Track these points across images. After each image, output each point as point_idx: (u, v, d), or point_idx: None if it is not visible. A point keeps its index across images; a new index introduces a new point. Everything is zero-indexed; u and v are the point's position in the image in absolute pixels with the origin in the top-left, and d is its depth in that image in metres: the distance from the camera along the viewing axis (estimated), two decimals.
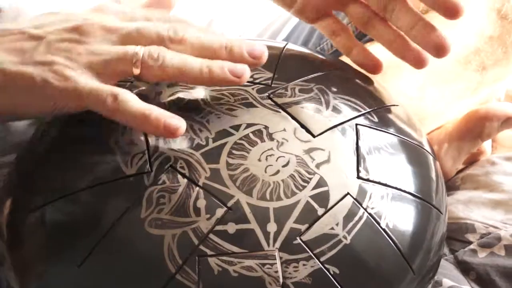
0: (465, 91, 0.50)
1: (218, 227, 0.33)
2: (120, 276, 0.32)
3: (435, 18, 0.43)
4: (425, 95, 0.50)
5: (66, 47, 0.34)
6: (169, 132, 0.33)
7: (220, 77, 0.34)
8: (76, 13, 0.36)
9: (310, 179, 0.35)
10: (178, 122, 0.33)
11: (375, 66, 0.44)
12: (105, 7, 0.37)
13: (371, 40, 0.52)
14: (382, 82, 0.46)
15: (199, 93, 0.39)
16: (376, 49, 0.49)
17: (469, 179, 0.52)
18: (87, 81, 0.34)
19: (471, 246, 0.45)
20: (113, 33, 0.35)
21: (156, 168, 0.35)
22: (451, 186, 0.53)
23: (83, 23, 0.35)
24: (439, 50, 0.40)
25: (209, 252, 0.32)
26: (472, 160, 0.54)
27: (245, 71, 0.34)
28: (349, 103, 0.40)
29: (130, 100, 0.33)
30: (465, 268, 0.44)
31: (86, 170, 0.36)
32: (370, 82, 0.44)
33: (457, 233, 0.47)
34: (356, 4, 0.44)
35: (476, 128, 0.51)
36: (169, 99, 0.39)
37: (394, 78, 0.48)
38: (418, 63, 0.42)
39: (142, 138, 0.36)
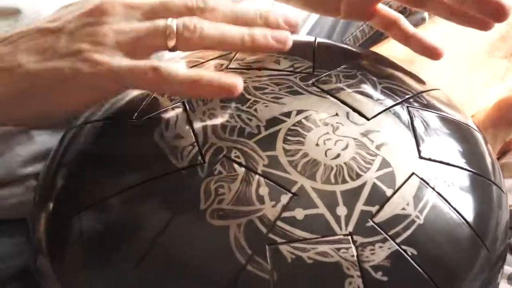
0: (493, 78, 0.50)
1: (285, 214, 0.31)
2: (182, 272, 0.30)
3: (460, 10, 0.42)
4: (455, 83, 0.49)
5: (89, 32, 0.32)
6: (227, 91, 0.32)
7: (264, 45, 0.33)
8: None
9: (373, 160, 0.33)
10: (234, 79, 0.32)
11: (436, 51, 0.43)
12: None
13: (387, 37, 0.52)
14: None
15: None
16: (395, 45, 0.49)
17: (506, 168, 0.51)
18: (121, 60, 0.32)
19: None
20: (136, 10, 0.33)
21: (209, 159, 0.33)
22: None
23: (101, 3, 0.33)
24: (501, 12, 0.38)
25: (279, 240, 0.30)
26: (505, 150, 0.53)
27: (288, 38, 0.33)
28: (395, 87, 0.39)
29: (173, 68, 0.32)
30: None
31: (134, 167, 0.34)
32: (406, 69, 0.43)
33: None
34: None
35: (509, 115, 0.50)
36: None
37: (423, 68, 0.48)
38: (484, 24, 0.41)
39: (189, 129, 0.35)
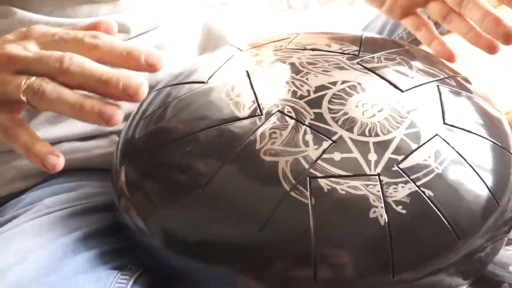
0: None
1: (325, 156, 0.37)
2: (240, 195, 0.37)
3: (503, 12, 0.48)
4: (491, 82, 0.55)
5: None
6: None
7: (89, 115, 0.35)
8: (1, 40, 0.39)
9: (403, 121, 0.39)
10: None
11: (450, 56, 0.50)
12: (33, 30, 0.39)
13: (441, 34, 0.58)
14: None
15: (296, 60, 0.45)
16: (445, 41, 0.55)
17: None
18: None
19: None
20: (16, 62, 0.37)
21: (266, 112, 0.40)
22: None
23: None
24: (507, 38, 0.45)
25: (318, 174, 0.36)
26: None
27: (113, 116, 0.35)
28: (429, 70, 0.45)
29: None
30: None
31: (205, 116, 0.41)
32: (441, 59, 0.49)
33: None
34: (436, 2, 0.50)
35: None
36: (267, 62, 0.45)
37: (460, 67, 0.53)
38: (490, 49, 0.47)
39: (250, 90, 0.42)
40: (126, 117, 0.52)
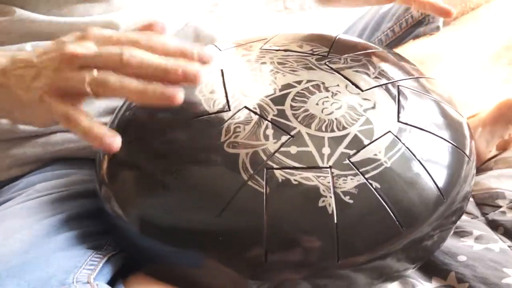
0: (497, 82, 0.57)
1: (283, 149, 0.41)
2: (203, 183, 0.40)
3: (469, 19, 0.51)
4: (460, 85, 0.57)
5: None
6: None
7: (152, 97, 0.37)
8: (59, 42, 0.41)
9: (358, 119, 0.42)
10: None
11: (446, 12, 0.52)
12: (89, 33, 0.41)
13: (415, 38, 0.60)
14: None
15: (268, 60, 0.48)
16: (418, 44, 0.57)
17: (501, 161, 0.58)
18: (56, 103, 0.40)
19: (501, 209, 0.51)
20: (78, 59, 0.39)
21: (233, 108, 0.44)
22: (485, 168, 0.59)
23: (60, 52, 0.40)
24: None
25: (275, 165, 0.40)
26: (504, 148, 0.60)
27: (175, 94, 0.37)
28: (393, 71, 0.48)
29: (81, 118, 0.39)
30: (494, 225, 0.50)
31: (180, 111, 0.44)
32: (408, 61, 0.52)
33: (489, 200, 0.53)
34: None
35: (507, 114, 0.57)
36: (241, 61, 0.48)
37: (432, 69, 0.56)
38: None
39: (222, 87, 0.45)
40: (111, 111, 0.56)
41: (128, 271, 0.44)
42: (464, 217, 0.52)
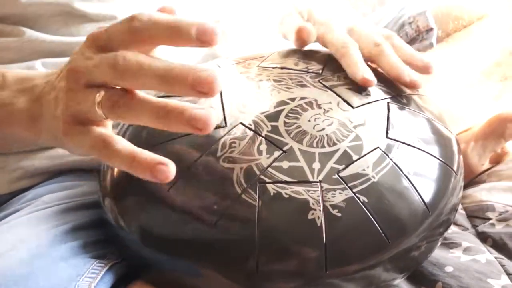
0: (488, 98, 0.59)
1: (275, 164, 0.43)
2: (199, 196, 0.43)
3: (461, 36, 0.53)
4: (452, 101, 0.59)
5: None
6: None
7: (177, 124, 0.34)
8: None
9: (348, 135, 0.44)
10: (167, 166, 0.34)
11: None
12: (89, 36, 0.37)
13: None
14: None
15: (265, 77, 0.51)
16: None
17: (494, 174, 0.59)
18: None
19: (490, 221, 0.52)
20: (80, 75, 0.36)
21: (229, 124, 0.46)
22: (478, 181, 0.60)
23: (66, 69, 0.38)
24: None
25: (267, 179, 0.42)
26: (497, 161, 0.62)
27: (207, 121, 0.33)
28: (383, 88, 0.50)
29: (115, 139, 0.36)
30: (483, 237, 0.51)
31: None
32: None
33: (479, 212, 0.54)
34: None
35: (499, 129, 0.59)
36: (239, 78, 0.51)
37: (425, 84, 0.58)
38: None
39: (220, 103, 0.48)
40: (113, 125, 0.58)
41: (129, 279, 0.46)
42: (454, 228, 0.54)
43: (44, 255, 0.43)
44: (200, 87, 0.31)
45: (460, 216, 0.55)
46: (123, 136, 0.49)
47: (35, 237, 0.46)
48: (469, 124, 0.61)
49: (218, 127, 0.46)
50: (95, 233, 0.49)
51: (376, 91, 0.49)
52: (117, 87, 0.35)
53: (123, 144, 0.34)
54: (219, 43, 0.33)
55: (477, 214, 0.54)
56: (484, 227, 0.52)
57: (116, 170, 0.48)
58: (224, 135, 0.45)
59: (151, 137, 0.47)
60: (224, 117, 0.46)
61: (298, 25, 0.54)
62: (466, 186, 0.61)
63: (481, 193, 0.56)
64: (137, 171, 0.34)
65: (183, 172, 0.44)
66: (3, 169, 0.59)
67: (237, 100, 0.48)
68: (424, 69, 0.52)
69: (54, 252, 0.44)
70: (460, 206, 0.57)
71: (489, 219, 0.53)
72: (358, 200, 0.41)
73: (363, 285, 0.42)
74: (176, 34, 0.32)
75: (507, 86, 0.59)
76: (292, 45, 0.56)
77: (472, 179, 0.61)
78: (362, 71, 0.48)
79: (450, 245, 0.50)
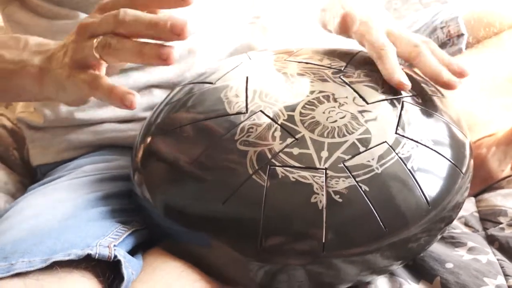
0: None
1: (287, 149, 0.46)
2: (214, 174, 0.46)
3: (491, 43, 0.54)
4: (477, 105, 0.60)
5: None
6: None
7: (149, 57, 0.42)
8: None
9: (359, 128, 0.47)
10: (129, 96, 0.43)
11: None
12: (103, 6, 0.46)
13: None
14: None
15: (289, 70, 0.54)
16: None
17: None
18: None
19: (501, 226, 0.53)
20: (87, 29, 0.45)
21: (250, 111, 0.49)
22: (498, 186, 0.61)
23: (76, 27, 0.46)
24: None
25: (277, 163, 0.45)
26: None
27: (169, 55, 0.41)
28: None
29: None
30: (491, 240, 0.52)
31: (206, 110, 0.51)
32: (427, 80, 0.56)
33: (492, 216, 0.55)
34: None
35: None
36: (266, 70, 0.54)
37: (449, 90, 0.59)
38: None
39: (244, 92, 0.51)
40: (150, 107, 0.63)
41: (149, 246, 0.51)
42: (465, 229, 0.55)
43: (77, 215, 0.49)
44: (175, 30, 0.41)
45: (473, 218, 0.56)
46: (159, 114, 0.54)
47: (72, 200, 0.52)
48: (493, 130, 0.62)
49: (239, 113, 0.50)
50: (124, 202, 0.54)
51: (393, 89, 0.51)
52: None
53: (106, 81, 0.44)
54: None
55: (489, 218, 0.55)
56: (493, 231, 0.53)
57: (146, 149, 0.52)
58: (244, 121, 0.49)
59: (184, 118, 0.51)
60: (246, 105, 0.50)
61: (344, 11, 0.56)
62: (484, 191, 0.62)
63: (496, 198, 0.57)
64: (113, 99, 0.43)
65: (206, 149, 0.47)
66: (52, 141, 0.66)
67: (260, 89, 0.52)
68: (459, 74, 0.52)
69: (85, 214, 0.49)
70: (474, 209, 0.58)
71: (501, 223, 0.54)
72: (359, 189, 0.44)
73: (361, 268, 0.45)
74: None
75: None
76: (327, 42, 0.59)
77: (492, 185, 0.61)
78: (398, 75, 0.50)
79: (456, 244, 0.51)
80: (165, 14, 0.43)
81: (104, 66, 0.46)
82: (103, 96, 0.44)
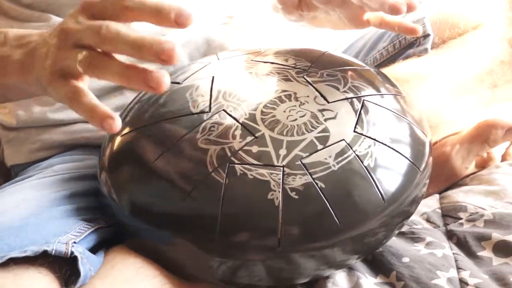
0: (478, 104, 0.61)
1: (246, 147, 0.47)
2: (175, 172, 0.47)
3: (455, 44, 0.56)
4: (443, 104, 0.61)
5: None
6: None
7: (136, 83, 0.39)
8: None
9: (318, 126, 0.48)
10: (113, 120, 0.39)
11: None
12: (81, 4, 0.42)
13: (405, 58, 0.65)
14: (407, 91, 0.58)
15: (255, 70, 0.55)
16: (407, 64, 0.62)
17: (476, 178, 0.61)
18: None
19: (460, 221, 0.55)
20: (70, 36, 0.41)
21: (213, 110, 0.50)
22: (461, 183, 0.62)
23: (59, 29, 0.43)
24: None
25: (236, 161, 0.46)
26: (483, 166, 0.63)
27: (160, 82, 0.38)
28: (362, 87, 0.53)
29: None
30: (450, 235, 0.53)
31: (171, 109, 0.52)
32: (391, 81, 0.57)
33: (452, 212, 0.56)
34: None
35: (484, 134, 0.60)
36: (232, 70, 0.55)
37: (416, 89, 0.60)
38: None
39: (209, 92, 0.52)
40: (122, 108, 0.64)
41: (116, 243, 0.52)
42: (426, 225, 0.56)
43: (40, 214, 0.49)
44: (162, 56, 0.37)
45: (435, 214, 0.58)
46: (128, 113, 0.55)
47: (37, 199, 0.52)
48: (458, 128, 0.63)
49: (202, 112, 0.50)
50: (90, 200, 0.55)
51: (354, 89, 0.52)
52: (99, 50, 0.41)
53: (89, 97, 0.40)
54: (190, 27, 0.38)
55: (450, 214, 0.57)
56: (453, 226, 0.55)
57: (112, 148, 0.53)
58: (206, 119, 0.50)
59: (150, 117, 0.52)
60: (210, 104, 0.51)
61: None
62: (448, 188, 0.63)
63: (458, 195, 0.59)
64: (93, 120, 0.40)
65: (168, 148, 0.48)
66: (25, 141, 0.67)
67: (225, 89, 0.53)
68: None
69: (49, 213, 0.50)
70: (437, 206, 0.60)
71: (460, 218, 0.55)
72: (315, 185, 0.45)
73: (319, 263, 0.46)
74: (158, 14, 0.38)
75: (497, 93, 0.60)
76: (300, 41, 0.59)
77: (456, 182, 0.63)
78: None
79: (415, 239, 0.52)
80: (152, 38, 0.39)
81: (87, 78, 0.43)
82: (82, 114, 0.41)
